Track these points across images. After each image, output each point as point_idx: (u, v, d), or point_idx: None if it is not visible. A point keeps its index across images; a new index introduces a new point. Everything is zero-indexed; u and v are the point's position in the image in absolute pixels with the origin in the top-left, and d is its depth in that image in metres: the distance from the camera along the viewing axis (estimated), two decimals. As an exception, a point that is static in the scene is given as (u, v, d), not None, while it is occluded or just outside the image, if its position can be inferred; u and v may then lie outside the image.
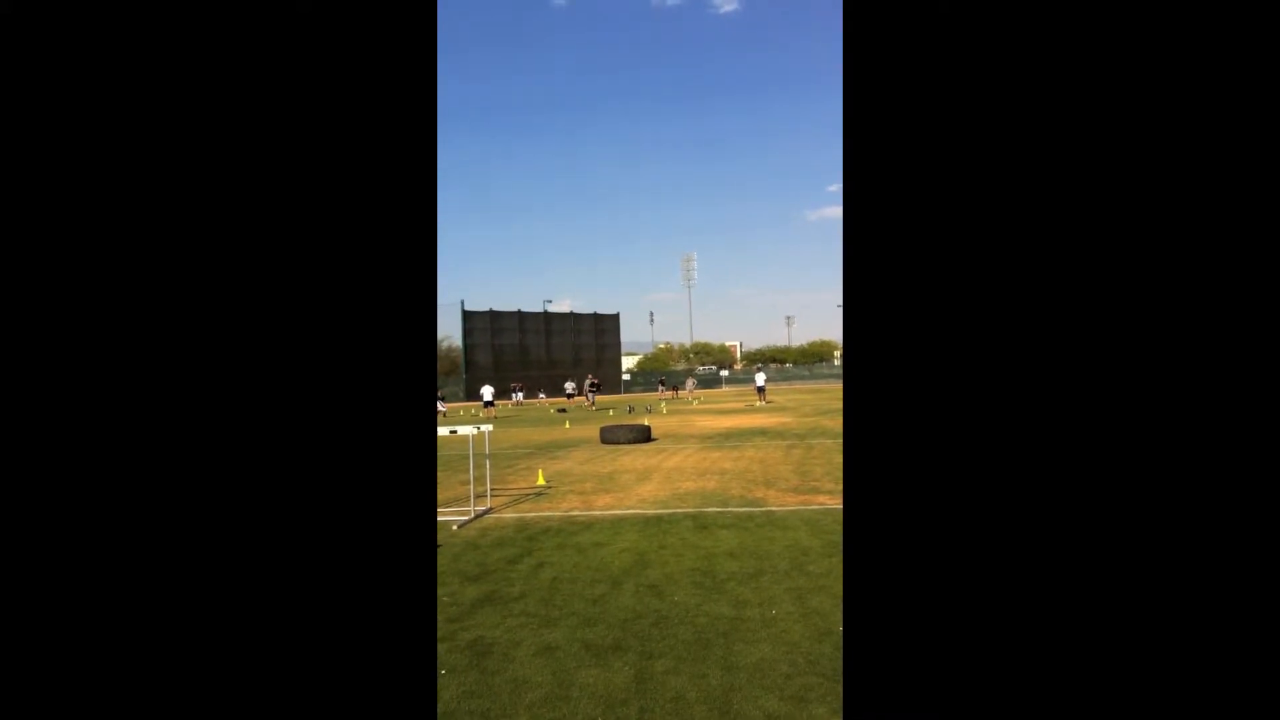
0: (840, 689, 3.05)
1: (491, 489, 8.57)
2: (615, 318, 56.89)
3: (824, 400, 29.26)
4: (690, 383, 39.99)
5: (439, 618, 4.12)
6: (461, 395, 45.09)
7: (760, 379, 31.06)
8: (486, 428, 7.81)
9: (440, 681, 3.27)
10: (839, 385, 50.17)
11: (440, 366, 57.16)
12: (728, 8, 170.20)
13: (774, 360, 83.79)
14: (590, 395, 32.03)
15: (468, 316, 48.95)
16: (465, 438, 7.44)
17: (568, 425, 20.76)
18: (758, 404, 28.06)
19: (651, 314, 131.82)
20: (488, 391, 30.09)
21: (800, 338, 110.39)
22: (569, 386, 35.12)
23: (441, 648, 3.69)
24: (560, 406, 32.51)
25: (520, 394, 37.32)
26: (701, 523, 6.58)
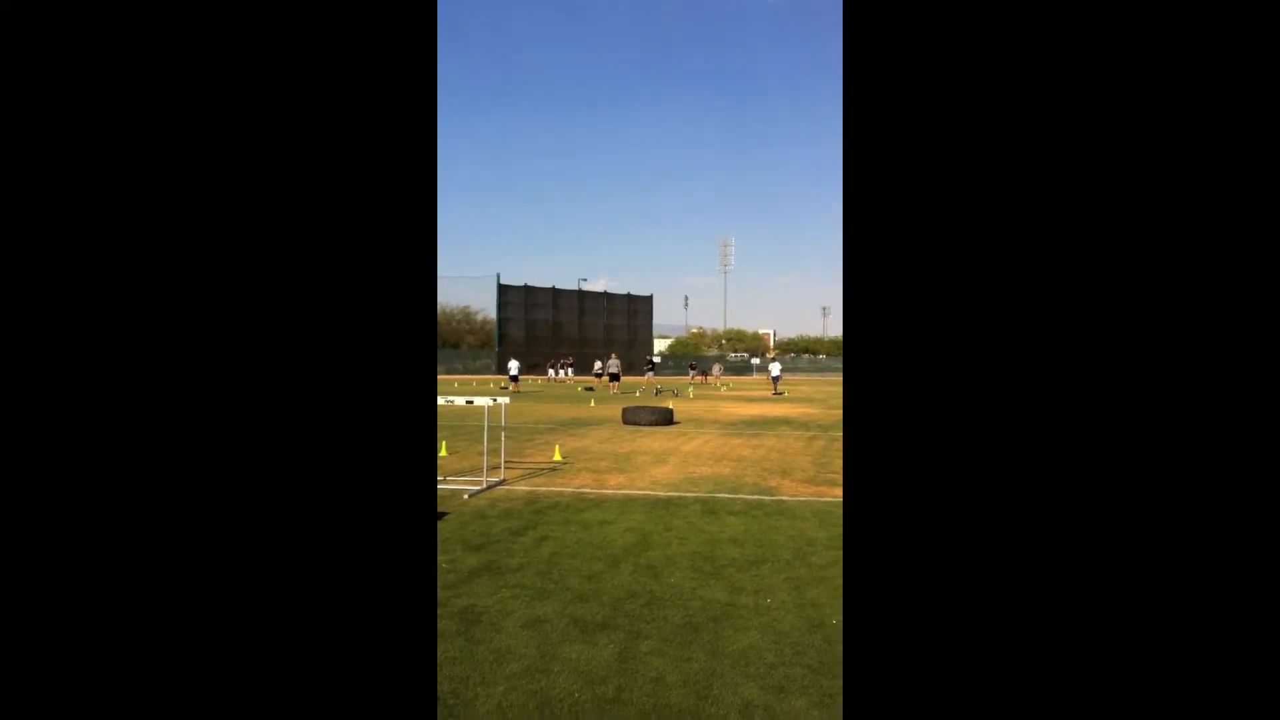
0: (823, 681, 3.01)
1: (507, 461, 8.62)
2: (649, 299, 56.92)
3: (853, 394, 28.96)
4: (717, 368, 39.73)
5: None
6: (493, 368, 45.52)
7: (775, 369, 31.11)
8: (503, 400, 7.85)
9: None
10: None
11: (473, 339, 57.68)
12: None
13: (807, 351, 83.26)
14: (611, 379, 29.22)
15: (503, 290, 49.28)
16: (489, 409, 7.49)
17: (593, 404, 20.82)
18: (772, 395, 28.07)
19: (686, 297, 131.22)
20: (514, 366, 30.27)
21: (836, 329, 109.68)
22: (597, 366, 35.17)
23: (432, 613, 3.71)
24: (588, 385, 32.60)
25: (565, 370, 37.00)
26: (710, 508, 6.55)
